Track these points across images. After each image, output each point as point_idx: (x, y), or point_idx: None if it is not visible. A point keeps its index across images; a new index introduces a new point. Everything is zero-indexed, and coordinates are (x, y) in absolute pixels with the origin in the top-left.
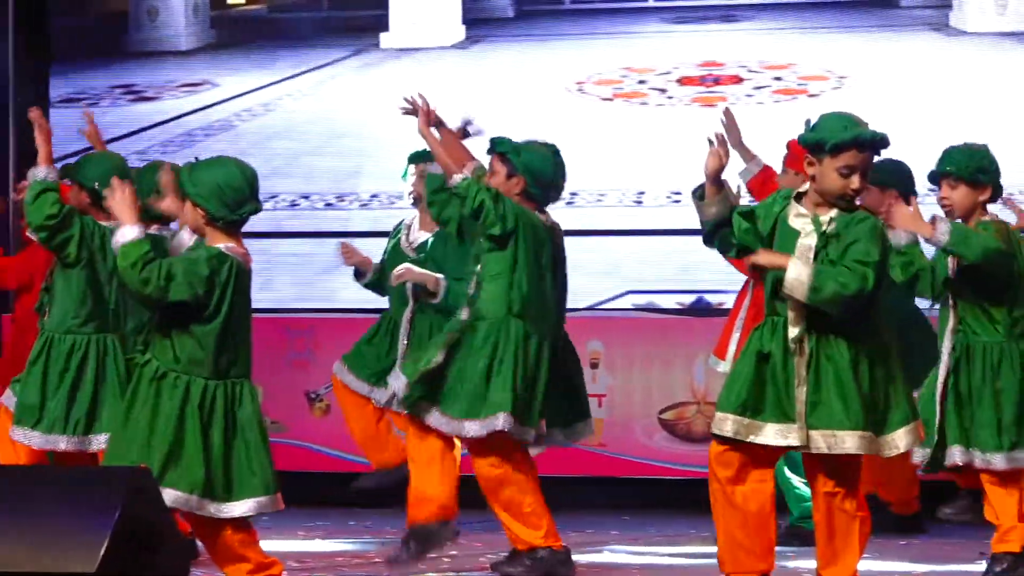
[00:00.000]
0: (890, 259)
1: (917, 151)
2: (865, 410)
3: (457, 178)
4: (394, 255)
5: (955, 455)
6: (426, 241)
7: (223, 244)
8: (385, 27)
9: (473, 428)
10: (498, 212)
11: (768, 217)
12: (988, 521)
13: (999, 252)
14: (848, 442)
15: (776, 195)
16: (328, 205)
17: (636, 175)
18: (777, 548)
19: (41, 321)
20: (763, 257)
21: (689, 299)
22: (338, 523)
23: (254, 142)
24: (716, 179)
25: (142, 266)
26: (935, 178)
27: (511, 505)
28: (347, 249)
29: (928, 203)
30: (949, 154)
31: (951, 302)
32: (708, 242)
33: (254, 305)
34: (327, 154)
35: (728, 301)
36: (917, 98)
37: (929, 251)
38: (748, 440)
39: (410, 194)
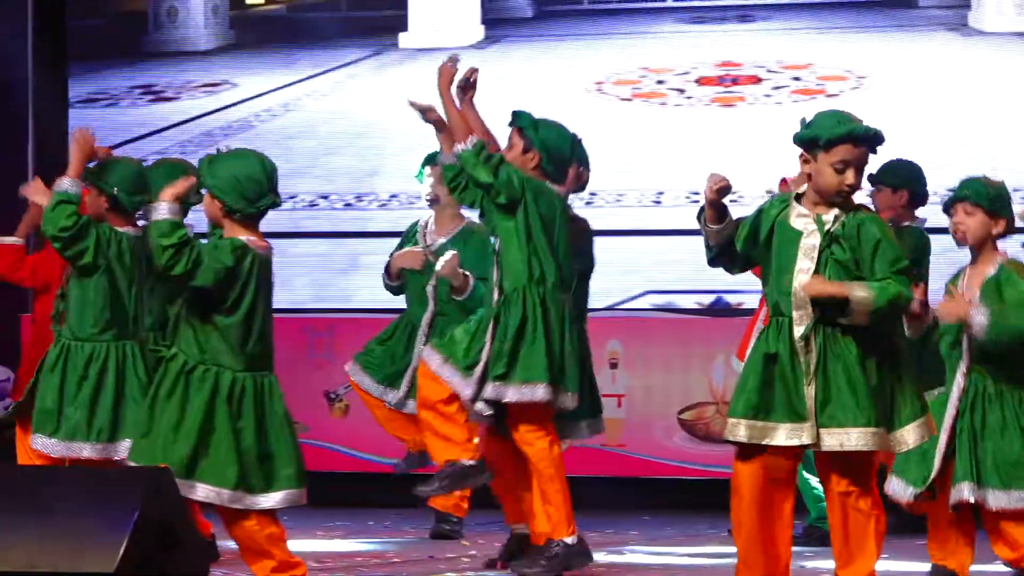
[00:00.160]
0: None
1: (935, 151)
2: (875, 406)
3: (457, 147)
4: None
5: (964, 491)
6: (444, 243)
7: (243, 237)
8: (404, 27)
9: (510, 394)
10: (501, 181)
11: (766, 221)
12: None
13: None
14: (859, 439)
15: (772, 200)
16: (347, 205)
17: (655, 175)
18: (795, 548)
19: (56, 328)
20: (815, 287)
21: (708, 299)
22: (357, 523)
23: (273, 142)
24: (716, 204)
25: (177, 245)
26: (950, 204)
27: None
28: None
29: (933, 204)
30: (968, 182)
31: (965, 344)
32: (713, 263)
33: (273, 305)
34: (346, 154)
35: (747, 301)
36: (935, 98)
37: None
38: (763, 443)
39: (428, 195)
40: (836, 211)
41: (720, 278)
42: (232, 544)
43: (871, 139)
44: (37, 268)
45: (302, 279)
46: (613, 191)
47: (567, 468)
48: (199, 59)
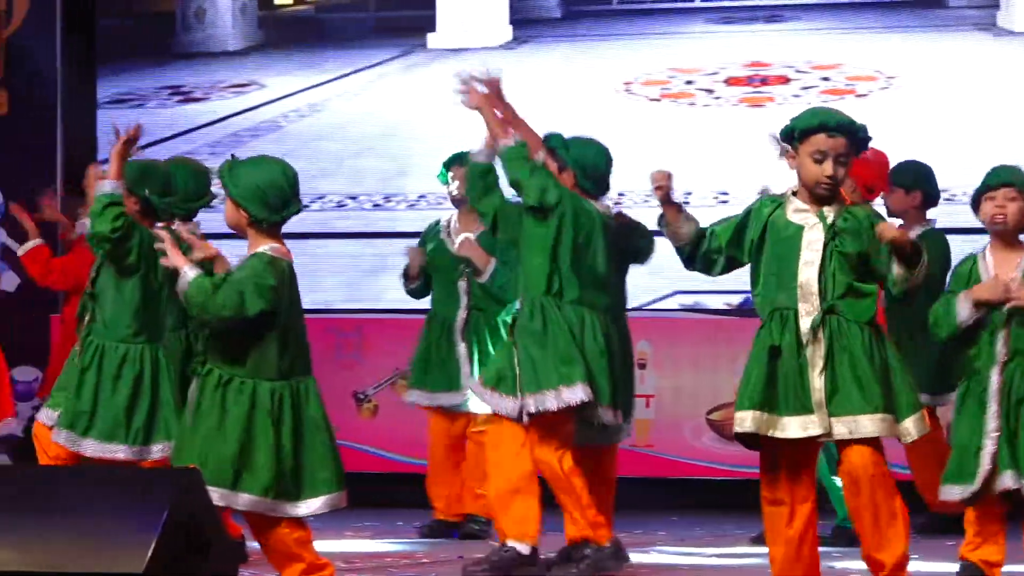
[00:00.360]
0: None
1: (964, 151)
2: (882, 395)
3: (500, 143)
4: (441, 255)
5: (1006, 480)
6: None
7: (267, 246)
8: (432, 28)
9: (547, 402)
10: (534, 183)
11: (756, 221)
12: None
13: None
14: (869, 426)
15: (763, 199)
16: (375, 206)
17: (683, 175)
18: (823, 548)
19: (84, 327)
20: (891, 232)
21: (737, 299)
22: (387, 523)
23: (301, 143)
24: (669, 200)
25: (213, 292)
26: (992, 188)
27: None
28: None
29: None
30: (1007, 169)
31: (1002, 338)
32: (689, 266)
33: (302, 306)
34: (374, 155)
35: None
36: (965, 98)
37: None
38: (769, 435)
39: (452, 194)
40: (835, 206)
41: (748, 278)
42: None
43: (845, 129)
44: (67, 269)
45: (330, 280)
46: (641, 192)
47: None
48: (227, 60)
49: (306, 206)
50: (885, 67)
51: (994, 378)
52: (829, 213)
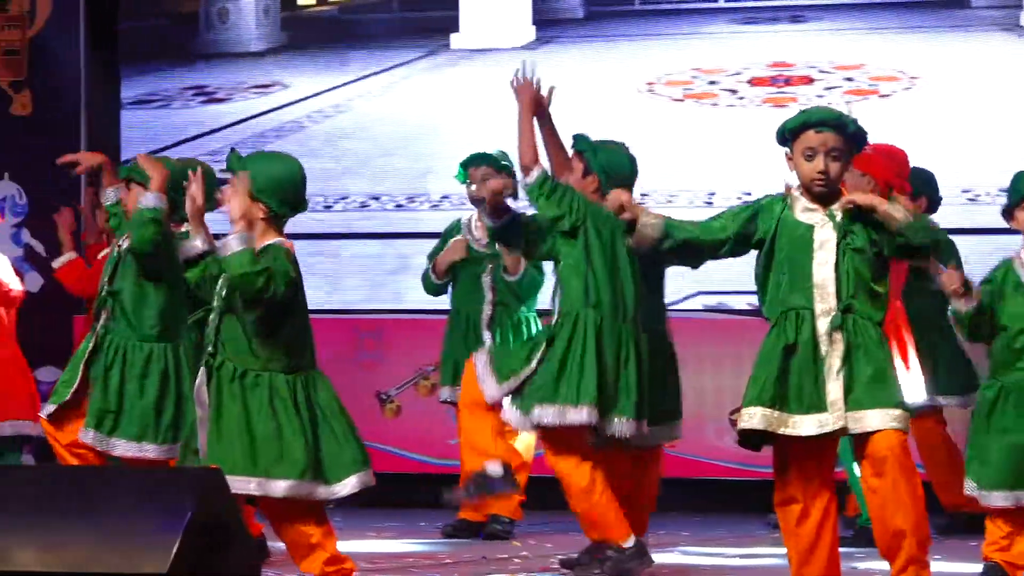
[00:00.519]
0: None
1: (987, 151)
2: (899, 389)
3: (522, 180)
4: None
5: None
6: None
7: (278, 239)
8: (455, 28)
9: (547, 416)
10: (562, 211)
11: (769, 217)
12: None
13: None
14: (887, 421)
15: (773, 198)
16: (399, 206)
17: (707, 176)
18: (846, 549)
19: (101, 325)
20: (862, 197)
21: None
22: (409, 524)
23: (325, 143)
24: (621, 211)
25: (258, 271)
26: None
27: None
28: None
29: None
30: None
31: None
32: (670, 261)
33: (324, 306)
34: (398, 155)
35: None
36: (988, 98)
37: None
38: (780, 432)
39: (471, 193)
40: (840, 201)
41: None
42: (282, 545)
43: (832, 123)
44: (94, 277)
45: (353, 279)
46: (665, 192)
47: None
48: (250, 60)
49: (329, 206)
50: (908, 67)
51: None
52: (837, 211)
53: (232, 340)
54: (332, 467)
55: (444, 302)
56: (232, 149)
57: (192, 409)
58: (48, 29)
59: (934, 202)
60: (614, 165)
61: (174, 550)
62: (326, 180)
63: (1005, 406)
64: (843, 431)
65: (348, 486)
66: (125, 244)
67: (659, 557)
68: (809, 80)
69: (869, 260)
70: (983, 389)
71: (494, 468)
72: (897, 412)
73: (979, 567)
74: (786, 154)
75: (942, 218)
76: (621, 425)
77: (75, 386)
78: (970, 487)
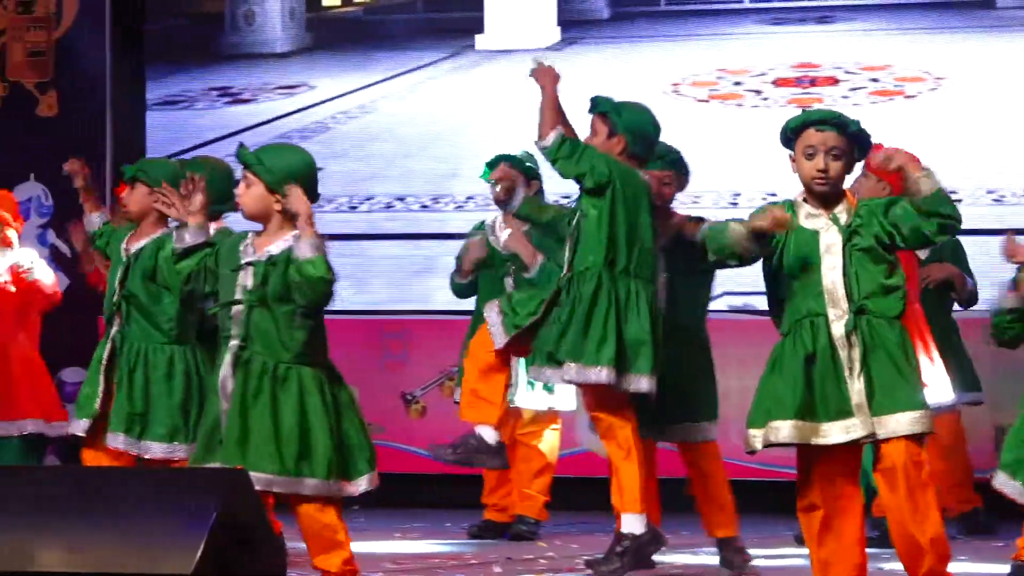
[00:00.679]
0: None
1: (1013, 152)
2: (920, 390)
3: (537, 144)
4: (487, 254)
5: None
6: None
7: (292, 233)
8: (480, 29)
9: (570, 372)
10: (585, 168)
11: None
12: None
13: None
14: (911, 423)
15: (782, 204)
16: (424, 207)
17: (731, 176)
18: (873, 550)
19: (117, 330)
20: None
21: None
22: (434, 524)
23: (350, 144)
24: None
25: (333, 279)
26: None
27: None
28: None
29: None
30: None
31: None
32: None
33: (349, 307)
34: (423, 156)
35: None
36: (1014, 99)
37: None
38: (812, 443)
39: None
40: (842, 205)
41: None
42: (301, 545)
43: (833, 122)
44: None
45: (378, 281)
46: (689, 192)
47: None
48: (276, 61)
49: (354, 207)
50: (934, 68)
51: None
52: (841, 214)
53: (263, 333)
54: (355, 463)
55: (469, 304)
56: (240, 144)
57: (213, 403)
58: (74, 30)
59: None
60: (639, 124)
61: (199, 551)
62: (352, 181)
63: None
64: (870, 437)
65: (363, 484)
66: (133, 248)
67: (683, 558)
68: (834, 81)
69: (878, 256)
70: None
71: (489, 434)
72: (918, 414)
73: (1005, 567)
74: (789, 155)
75: (967, 219)
76: (640, 382)
77: (100, 398)
78: (1015, 489)
